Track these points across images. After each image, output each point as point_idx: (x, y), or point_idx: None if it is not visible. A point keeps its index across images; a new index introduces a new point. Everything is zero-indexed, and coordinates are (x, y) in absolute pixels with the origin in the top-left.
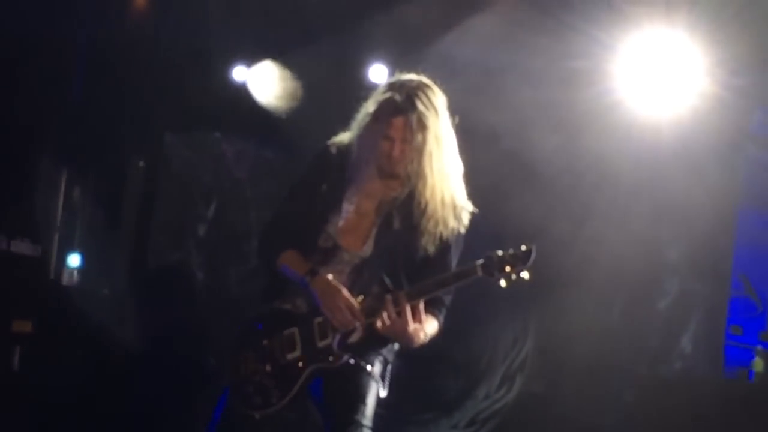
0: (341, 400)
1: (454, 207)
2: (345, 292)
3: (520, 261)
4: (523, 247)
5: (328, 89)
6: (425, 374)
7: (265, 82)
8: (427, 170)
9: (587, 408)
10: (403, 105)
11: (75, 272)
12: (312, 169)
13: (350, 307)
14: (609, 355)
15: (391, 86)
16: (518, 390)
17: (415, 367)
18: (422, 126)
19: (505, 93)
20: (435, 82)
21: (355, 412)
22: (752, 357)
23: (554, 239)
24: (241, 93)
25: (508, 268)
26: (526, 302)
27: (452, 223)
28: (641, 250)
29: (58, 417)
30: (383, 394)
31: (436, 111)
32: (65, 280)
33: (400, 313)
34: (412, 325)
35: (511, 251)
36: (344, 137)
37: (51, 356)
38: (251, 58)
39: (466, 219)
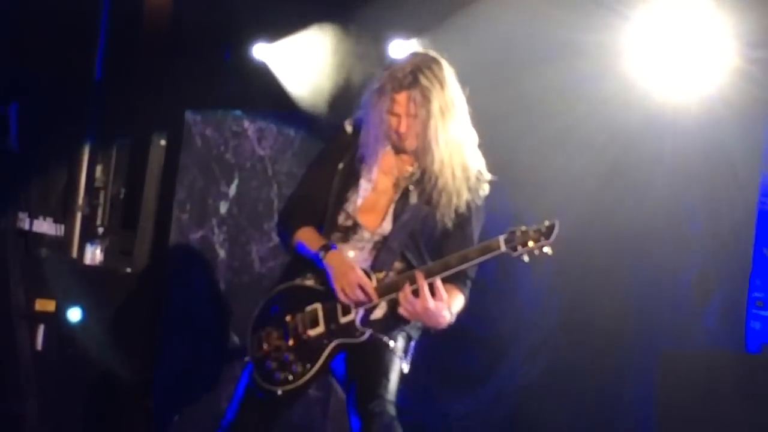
0: (364, 375)
1: (467, 179)
2: (358, 269)
3: (543, 236)
4: (547, 223)
5: (349, 65)
6: (449, 350)
7: (287, 59)
8: (434, 144)
9: (610, 383)
10: (405, 80)
11: (98, 251)
12: (329, 148)
13: (363, 284)
14: (632, 331)
15: (395, 62)
16: (542, 366)
17: (438, 343)
18: (426, 100)
19: (522, 67)
20: (444, 56)
21: (378, 386)
22: None
23: (574, 215)
24: (263, 70)
25: (531, 243)
26: (549, 278)
27: (466, 194)
28: (663, 224)
29: (82, 395)
30: (406, 370)
31: (441, 84)
32: (88, 259)
33: (418, 292)
34: (431, 303)
35: (534, 226)
36: (360, 115)
37: (74, 335)
38: (273, 35)
39: (483, 189)
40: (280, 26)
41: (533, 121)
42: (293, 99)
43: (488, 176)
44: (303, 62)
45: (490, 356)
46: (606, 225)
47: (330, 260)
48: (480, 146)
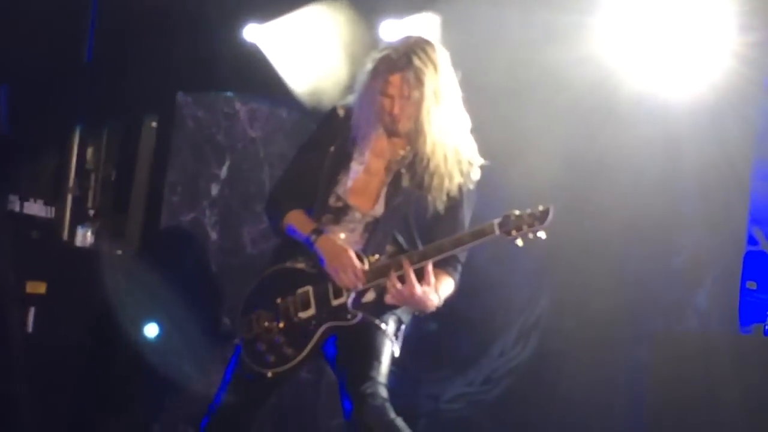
0: (355, 357)
1: (459, 162)
2: (350, 252)
3: (537, 220)
4: (541, 207)
5: (342, 46)
6: (439, 332)
7: (278, 40)
8: (426, 126)
9: (602, 364)
10: (399, 62)
11: (89, 233)
12: (320, 130)
13: (354, 267)
14: (624, 312)
15: (389, 44)
16: (533, 347)
17: (429, 326)
18: (419, 82)
19: (514, 50)
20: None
21: (370, 368)
22: None
23: (565, 198)
24: (254, 51)
25: (525, 228)
26: (540, 259)
27: (458, 178)
28: (655, 205)
29: (72, 378)
30: (397, 353)
31: (434, 66)
32: (79, 241)
33: (404, 278)
34: (419, 289)
35: (528, 211)
36: (352, 99)
37: (65, 317)
38: (264, 16)
39: (475, 174)
40: (271, 7)
41: (525, 104)
42: (285, 81)
43: (480, 161)
44: (294, 43)
45: (481, 338)
46: (598, 207)
47: (321, 244)
48: (471, 130)
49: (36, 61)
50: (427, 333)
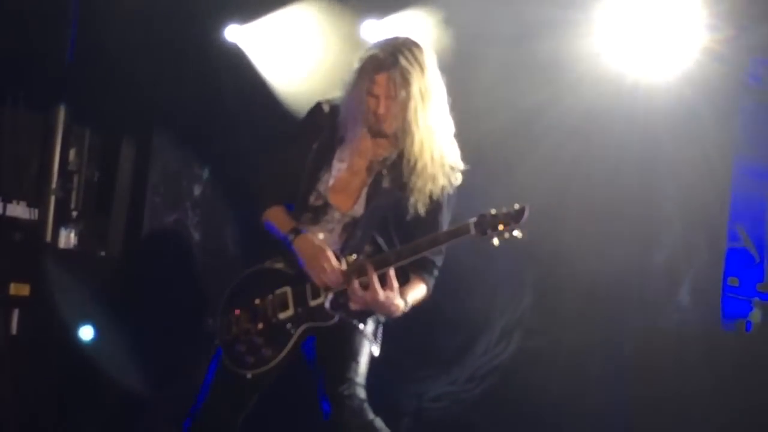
0: (333, 358)
1: (443, 165)
2: (329, 252)
3: (513, 219)
4: (516, 206)
5: (321, 45)
6: (423, 331)
7: (259, 41)
8: (414, 126)
9: (586, 361)
10: (386, 61)
11: (72, 235)
12: (304, 125)
13: (333, 268)
14: (607, 309)
15: (377, 44)
16: (517, 345)
17: (412, 325)
18: (406, 82)
19: (494, 46)
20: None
21: (348, 370)
22: (750, 308)
23: (545, 195)
24: (236, 52)
25: (501, 227)
26: (523, 257)
27: (442, 180)
28: (635, 203)
29: (58, 379)
30: (376, 353)
31: (421, 67)
32: (62, 242)
33: (367, 285)
34: (381, 295)
35: (504, 210)
36: (337, 95)
37: (49, 319)
38: (244, 17)
39: (457, 178)
40: (252, 7)
41: (503, 100)
42: (267, 81)
43: (462, 166)
44: (276, 44)
45: (465, 337)
46: (577, 204)
47: (299, 244)
48: (457, 117)
49: (18, 62)
50: (411, 332)
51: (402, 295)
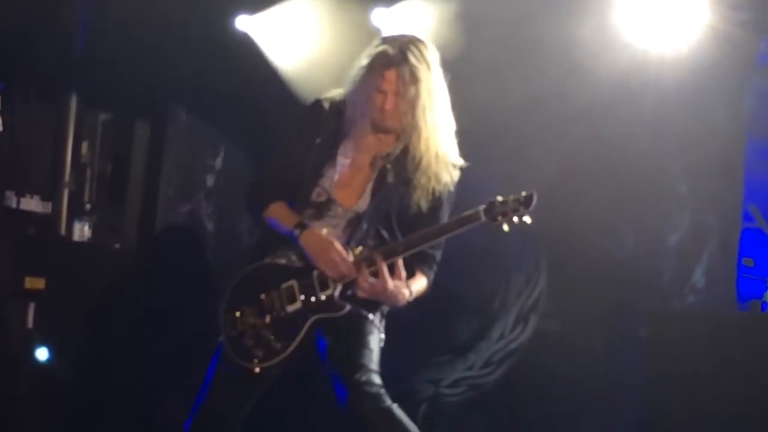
0: (346, 347)
1: (446, 162)
2: (337, 244)
3: (522, 205)
4: (524, 192)
5: (331, 35)
6: (438, 317)
7: (269, 30)
8: (421, 123)
9: (601, 344)
10: (395, 58)
11: (86, 228)
12: (305, 123)
13: (345, 259)
14: (621, 291)
15: (384, 40)
16: (532, 329)
17: (427, 311)
18: (415, 79)
19: (501, 26)
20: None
21: (361, 356)
22: (765, 288)
23: (556, 177)
24: (246, 42)
25: (510, 212)
26: (537, 241)
27: (445, 178)
28: (649, 185)
29: (72, 373)
30: (382, 342)
31: (428, 65)
32: (76, 235)
33: (377, 274)
34: (391, 284)
35: (512, 196)
36: (336, 92)
37: (64, 312)
38: (254, 7)
39: (457, 175)
40: None
41: (513, 80)
42: (278, 70)
43: (461, 162)
44: (286, 34)
45: (480, 322)
46: (589, 187)
47: (306, 239)
48: (460, 107)
49: (28, 56)
50: (426, 319)
51: (407, 285)
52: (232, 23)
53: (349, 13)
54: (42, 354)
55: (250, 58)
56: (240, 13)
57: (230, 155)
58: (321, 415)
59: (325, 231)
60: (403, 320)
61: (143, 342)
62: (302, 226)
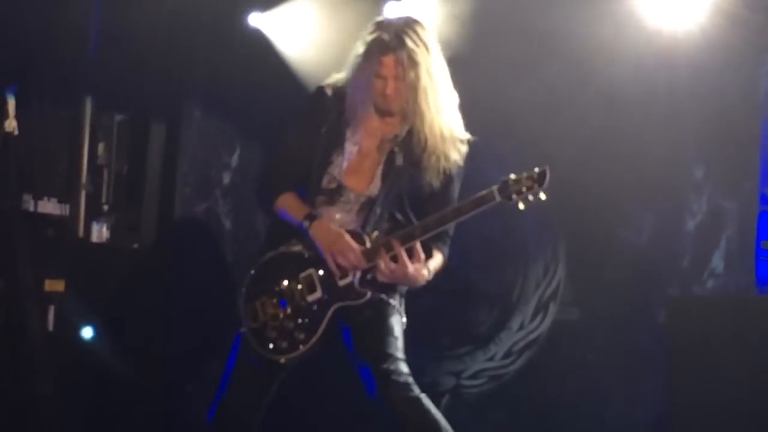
0: (371, 336)
1: (453, 140)
2: (346, 235)
3: (535, 182)
4: (537, 169)
5: (344, 30)
6: (458, 309)
7: (283, 27)
8: (424, 106)
9: (621, 332)
10: (392, 43)
11: (104, 229)
12: (309, 111)
13: (353, 250)
14: (640, 278)
15: (379, 26)
16: (552, 319)
17: (447, 302)
18: (413, 62)
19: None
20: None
21: (388, 345)
22: None
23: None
24: (259, 39)
25: (524, 190)
26: (554, 231)
27: (454, 156)
28: (665, 170)
29: (94, 375)
30: (404, 325)
31: (426, 46)
32: (95, 237)
33: (397, 258)
34: (411, 268)
35: (525, 174)
36: (338, 76)
37: (85, 314)
38: (267, 5)
39: (465, 149)
40: None
41: (528, 66)
42: (291, 66)
43: (467, 136)
44: (299, 30)
45: (500, 312)
46: (605, 174)
47: (315, 230)
48: (477, 87)
49: (41, 58)
50: (446, 310)
51: (425, 265)
52: (245, 20)
53: (361, 8)
54: (87, 333)
55: (263, 54)
56: (252, 10)
57: (246, 152)
58: (342, 402)
59: (338, 216)
60: (423, 313)
61: (163, 341)
62: (311, 218)
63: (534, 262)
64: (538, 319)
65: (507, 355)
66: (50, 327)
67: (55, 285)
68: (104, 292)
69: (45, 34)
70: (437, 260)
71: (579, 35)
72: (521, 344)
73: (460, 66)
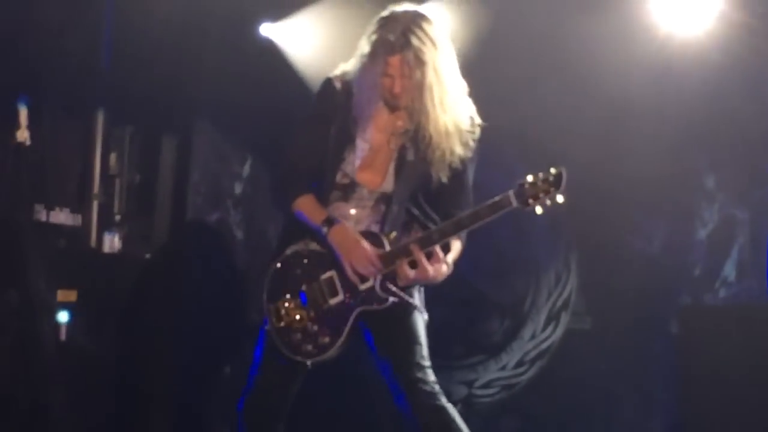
0: (396, 343)
1: (460, 133)
2: (363, 242)
3: (552, 185)
4: (553, 170)
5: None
6: (470, 318)
7: (294, 37)
8: (429, 105)
9: (633, 342)
10: (398, 43)
11: (116, 239)
12: (320, 105)
13: (370, 258)
14: (652, 287)
15: (384, 23)
16: (564, 328)
17: (459, 312)
18: (420, 62)
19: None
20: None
21: (414, 354)
22: None
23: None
24: (270, 49)
25: (541, 195)
26: (566, 240)
27: (459, 150)
28: (676, 179)
29: (107, 384)
30: (426, 321)
31: (432, 43)
32: (107, 247)
33: (416, 264)
34: (431, 270)
35: (541, 176)
36: (346, 67)
37: (97, 324)
38: (277, 15)
39: (475, 136)
40: (285, 4)
41: (538, 74)
42: (302, 76)
43: (479, 121)
44: (310, 40)
45: (511, 322)
46: (616, 183)
47: (334, 236)
48: (488, 95)
49: (54, 68)
50: (458, 320)
51: (445, 261)
52: (256, 30)
53: (372, 18)
54: (63, 317)
55: (274, 64)
56: (263, 21)
57: (258, 162)
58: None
59: (353, 212)
60: (435, 322)
61: (175, 351)
62: (329, 222)
63: (545, 272)
64: (550, 328)
65: (519, 364)
66: (63, 337)
67: (67, 295)
68: (116, 302)
69: (57, 45)
70: (456, 250)
71: (590, 43)
72: (533, 353)
73: (470, 74)
